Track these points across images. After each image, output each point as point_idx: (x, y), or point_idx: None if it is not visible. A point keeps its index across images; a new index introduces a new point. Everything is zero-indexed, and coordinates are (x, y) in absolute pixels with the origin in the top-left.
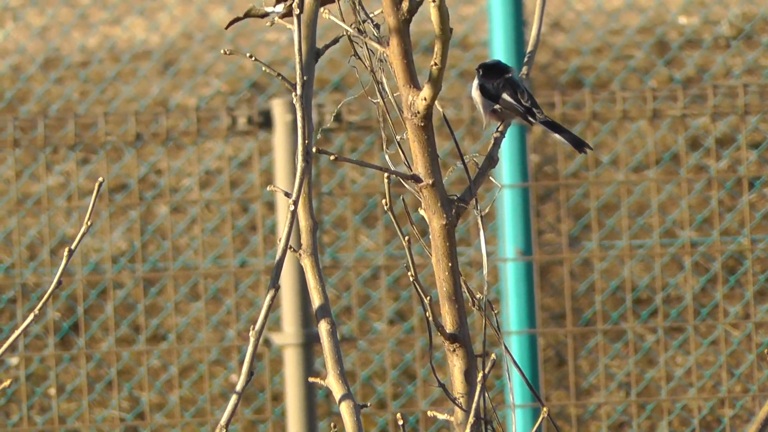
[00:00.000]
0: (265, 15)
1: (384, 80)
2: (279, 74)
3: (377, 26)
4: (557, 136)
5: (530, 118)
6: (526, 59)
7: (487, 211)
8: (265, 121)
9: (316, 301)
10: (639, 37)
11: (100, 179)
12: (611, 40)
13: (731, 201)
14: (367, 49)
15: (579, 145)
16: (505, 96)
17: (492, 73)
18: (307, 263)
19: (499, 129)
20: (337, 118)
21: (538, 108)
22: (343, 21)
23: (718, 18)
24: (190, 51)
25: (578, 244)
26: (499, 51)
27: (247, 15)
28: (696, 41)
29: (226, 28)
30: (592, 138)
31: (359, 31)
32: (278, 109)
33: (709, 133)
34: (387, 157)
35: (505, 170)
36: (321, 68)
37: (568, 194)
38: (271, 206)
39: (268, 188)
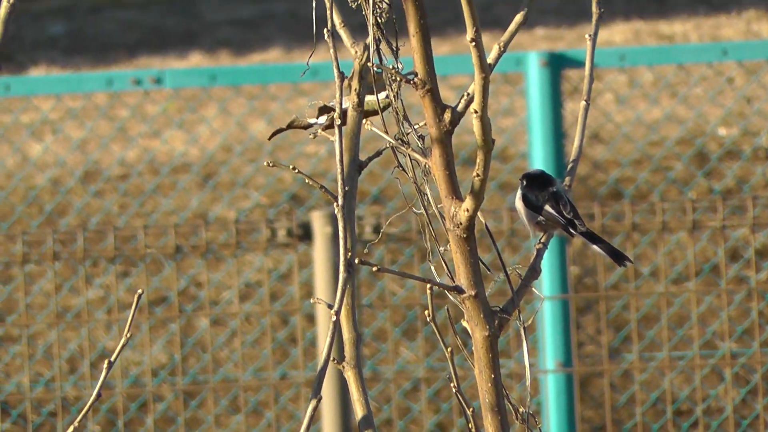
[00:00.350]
0: (308, 126)
1: (428, 191)
2: (321, 186)
3: (422, 137)
4: (596, 248)
5: (571, 230)
6: (568, 170)
7: (529, 322)
8: (305, 234)
9: (359, 412)
10: (678, 149)
11: (140, 291)
12: (651, 151)
13: None
14: (410, 160)
15: (618, 258)
16: (548, 207)
17: (535, 184)
18: (350, 375)
19: (542, 240)
20: (377, 229)
21: (580, 219)
22: (386, 132)
23: (757, 129)
24: (229, 164)
25: (618, 355)
26: (539, 163)
27: (290, 126)
28: (735, 152)
29: (269, 138)
30: (631, 250)
31: (402, 142)
32: (318, 222)
33: (749, 244)
34: (432, 267)
35: (546, 282)
36: (360, 180)
37: (609, 306)
38: (311, 318)
39: (310, 301)
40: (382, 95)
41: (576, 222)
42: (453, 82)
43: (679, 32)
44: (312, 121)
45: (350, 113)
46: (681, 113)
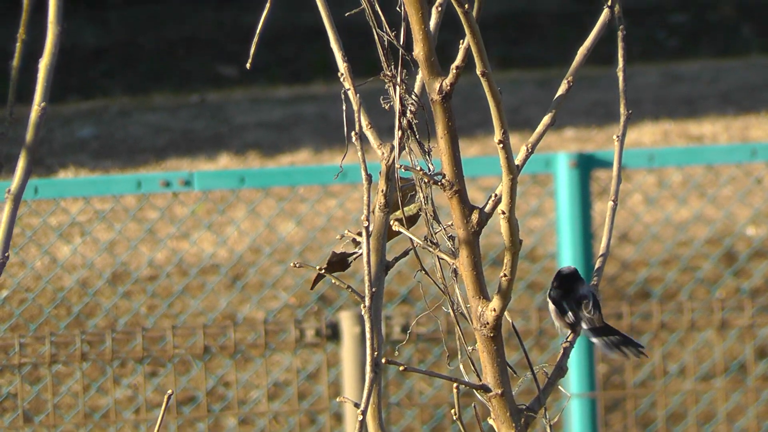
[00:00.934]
0: (346, 259)
1: (457, 291)
2: (349, 286)
3: (451, 238)
4: (597, 341)
5: (576, 328)
6: (595, 270)
7: (556, 420)
8: (333, 334)
9: None
10: (707, 249)
11: (170, 392)
12: (679, 251)
13: None
14: (438, 260)
15: (631, 345)
16: (564, 306)
17: (564, 283)
18: None
19: (569, 339)
20: (405, 329)
21: (596, 317)
22: (413, 234)
23: None
24: (258, 264)
25: None
26: (567, 263)
27: (330, 264)
28: (764, 252)
29: (312, 288)
30: (659, 348)
31: (431, 243)
32: (346, 322)
33: None
34: (461, 366)
35: (573, 379)
36: (389, 281)
37: (636, 404)
38: (339, 418)
39: (337, 399)
40: (410, 205)
41: (582, 322)
42: (482, 183)
43: (708, 133)
44: (351, 251)
45: (377, 214)
46: (710, 213)
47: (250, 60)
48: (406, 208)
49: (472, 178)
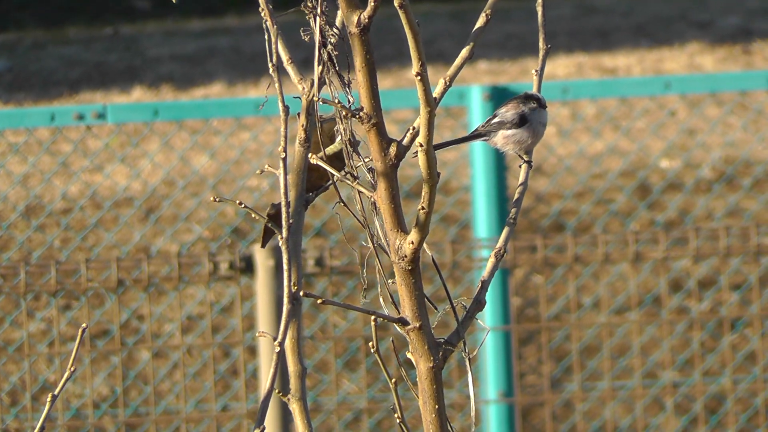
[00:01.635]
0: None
1: (376, 224)
2: (267, 219)
3: (371, 170)
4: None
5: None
6: (513, 201)
7: (474, 354)
8: (247, 267)
9: None
10: (621, 181)
11: (84, 325)
12: (593, 184)
13: (713, 342)
14: (358, 193)
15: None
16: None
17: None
18: (295, 408)
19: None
20: (319, 262)
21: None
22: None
23: (699, 162)
24: (172, 198)
25: (560, 386)
26: (482, 195)
27: (271, 217)
28: (678, 184)
29: (263, 246)
30: (574, 281)
31: (350, 176)
32: (260, 255)
33: (690, 275)
34: (381, 299)
35: (488, 313)
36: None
37: (550, 337)
38: (253, 351)
39: (256, 335)
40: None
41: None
42: (396, 116)
43: (622, 65)
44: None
45: (297, 148)
46: (623, 146)
47: None
48: (328, 149)
49: (387, 111)
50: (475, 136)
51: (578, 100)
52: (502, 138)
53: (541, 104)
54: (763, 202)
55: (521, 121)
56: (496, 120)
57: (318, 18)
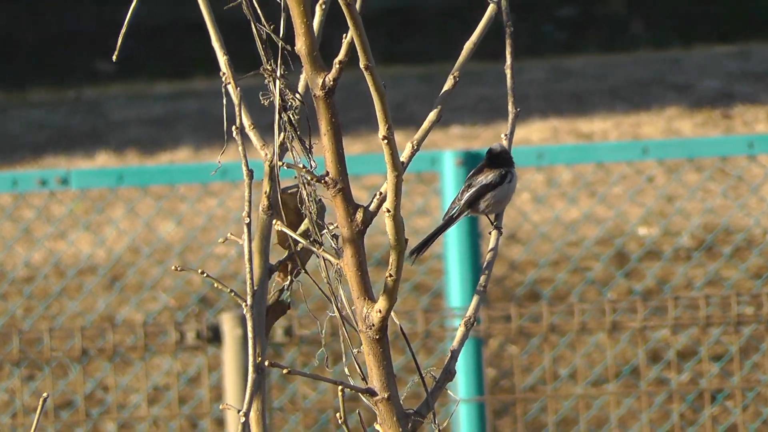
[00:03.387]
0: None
1: (342, 293)
2: (231, 290)
3: (335, 237)
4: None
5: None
6: (483, 267)
7: (444, 425)
8: (215, 336)
9: None
10: (597, 249)
11: (45, 395)
12: (569, 251)
13: (693, 415)
14: (323, 261)
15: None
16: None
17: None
18: None
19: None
20: (288, 332)
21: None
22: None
23: (678, 229)
24: (137, 265)
25: None
26: (455, 263)
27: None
28: (656, 252)
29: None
30: (549, 351)
31: (314, 242)
32: (227, 324)
33: (670, 346)
34: (347, 369)
35: (462, 384)
36: (270, 282)
37: (526, 409)
38: (220, 422)
39: (221, 407)
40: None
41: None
42: (366, 182)
43: (599, 130)
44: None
45: (261, 216)
46: (600, 213)
47: (116, 52)
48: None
49: (356, 177)
50: (454, 219)
51: (554, 166)
52: (482, 202)
53: (509, 162)
54: (744, 271)
55: (503, 179)
56: (481, 185)
57: (277, 81)
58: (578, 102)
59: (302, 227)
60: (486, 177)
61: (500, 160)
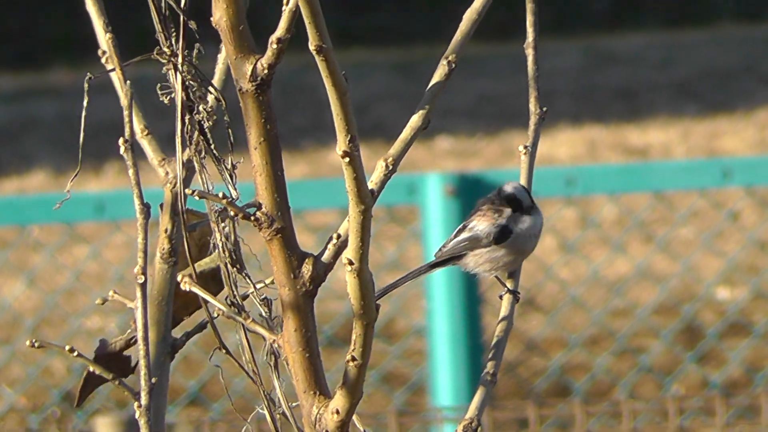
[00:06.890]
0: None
1: (277, 384)
2: (115, 377)
3: (269, 301)
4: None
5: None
6: (491, 355)
7: None
8: None
9: None
10: (656, 321)
11: None
12: (613, 325)
13: None
14: (246, 338)
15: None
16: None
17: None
18: None
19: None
20: None
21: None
22: (214, 296)
23: None
24: None
25: None
26: (443, 341)
27: (101, 361)
28: (743, 325)
29: (77, 405)
30: None
31: (237, 308)
32: (104, 431)
33: None
34: None
35: None
36: (173, 371)
37: None
38: None
39: None
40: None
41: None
42: (312, 221)
43: (657, 143)
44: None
45: (158, 267)
46: (661, 266)
47: None
48: (200, 262)
49: (299, 213)
50: (438, 264)
51: (591, 196)
52: (471, 257)
53: (523, 208)
54: None
55: (503, 236)
56: (466, 237)
57: (179, 71)
58: (627, 101)
59: (208, 262)
60: (481, 222)
61: (516, 196)
